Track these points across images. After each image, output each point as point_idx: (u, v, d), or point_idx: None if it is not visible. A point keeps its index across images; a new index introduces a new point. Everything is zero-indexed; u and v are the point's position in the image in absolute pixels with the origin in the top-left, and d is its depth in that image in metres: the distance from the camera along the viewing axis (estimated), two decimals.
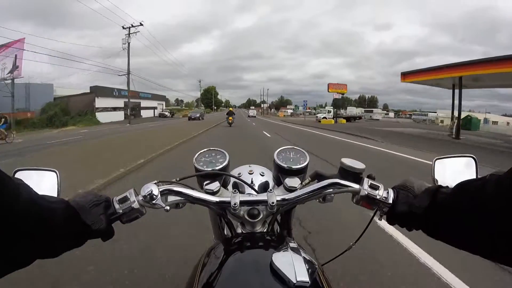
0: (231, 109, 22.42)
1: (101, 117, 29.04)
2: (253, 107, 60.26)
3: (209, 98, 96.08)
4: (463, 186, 0.42)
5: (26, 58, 21.70)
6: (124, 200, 0.52)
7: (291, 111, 68.57)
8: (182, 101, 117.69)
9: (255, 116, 47.48)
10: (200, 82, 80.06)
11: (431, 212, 0.45)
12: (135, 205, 0.52)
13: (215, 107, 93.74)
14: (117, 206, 0.52)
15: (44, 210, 0.40)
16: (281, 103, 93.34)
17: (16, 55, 21.72)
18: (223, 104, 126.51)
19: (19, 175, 0.57)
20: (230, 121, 19.89)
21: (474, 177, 0.59)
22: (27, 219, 0.36)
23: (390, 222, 0.53)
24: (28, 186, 0.38)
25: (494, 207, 0.36)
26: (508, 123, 31.24)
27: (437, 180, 0.61)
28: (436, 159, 0.63)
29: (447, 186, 0.46)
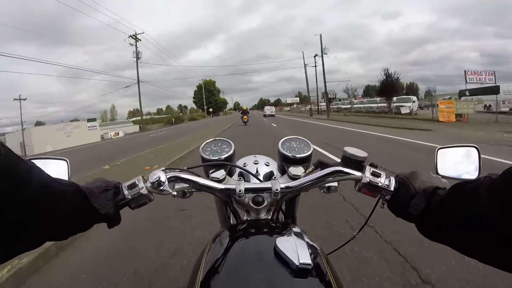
0: (245, 108, 22.75)
1: None
2: (269, 106, 46.89)
3: (207, 97, 73.10)
4: (458, 188, 0.42)
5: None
6: (132, 186, 0.54)
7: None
8: (186, 107, 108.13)
9: (273, 115, 38.08)
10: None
11: (427, 214, 0.46)
12: (144, 191, 0.54)
13: (211, 109, 66.85)
14: (126, 192, 0.53)
15: (55, 192, 0.41)
16: (301, 100, 79.19)
17: None
18: (228, 105, 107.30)
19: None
20: (245, 120, 20.15)
21: (476, 166, 0.60)
22: (38, 201, 0.37)
23: (392, 210, 0.54)
24: (40, 169, 0.39)
25: (487, 211, 0.36)
26: None
27: (440, 169, 0.62)
28: (439, 149, 0.64)
29: (445, 188, 0.47)
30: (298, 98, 79.78)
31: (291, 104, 79.31)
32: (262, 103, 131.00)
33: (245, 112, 21.12)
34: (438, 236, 0.45)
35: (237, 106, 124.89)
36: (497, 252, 0.36)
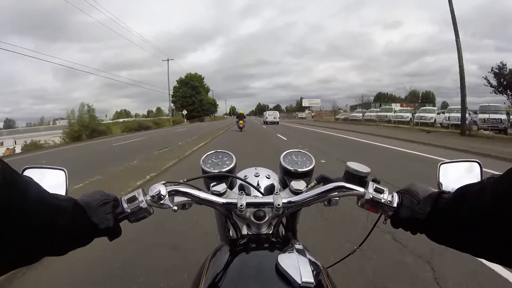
0: (241, 112, 20.27)
1: None
2: (271, 111, 37.25)
3: (189, 96, 59.23)
4: (463, 191, 0.43)
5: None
6: (132, 199, 0.53)
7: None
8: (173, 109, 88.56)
9: (276, 122, 29.57)
10: (168, 61, 43.86)
11: (433, 218, 0.46)
12: (143, 204, 0.53)
13: (186, 112, 47.35)
14: (125, 205, 0.53)
15: (53, 207, 0.40)
16: (301, 108, 72.29)
17: None
18: (219, 108, 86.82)
19: (28, 173, 0.57)
20: (241, 125, 18.56)
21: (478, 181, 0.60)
22: (36, 217, 0.37)
23: (394, 226, 0.53)
24: (37, 183, 0.39)
25: (492, 212, 0.36)
26: None
27: (441, 184, 0.61)
28: (441, 164, 0.64)
29: (449, 192, 0.47)
30: (319, 100, 63.64)
31: (306, 108, 63.30)
32: (261, 109, 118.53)
33: (240, 116, 19.30)
34: (447, 239, 0.45)
35: (232, 111, 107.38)
36: (504, 251, 0.37)
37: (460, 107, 13.00)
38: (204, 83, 68.78)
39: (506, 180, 0.35)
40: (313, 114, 56.93)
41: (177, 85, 62.72)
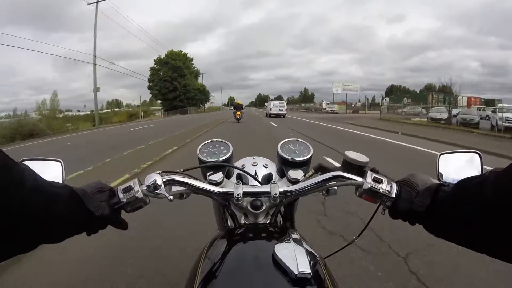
0: (239, 102, 19.60)
1: None
2: (276, 101, 28.20)
3: (170, 80, 44.36)
4: (463, 184, 0.42)
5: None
6: (128, 189, 0.53)
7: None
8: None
9: (283, 115, 23.69)
10: None
11: (432, 210, 0.46)
12: (139, 194, 0.52)
13: (160, 101, 43.25)
14: (121, 195, 0.52)
15: (49, 194, 0.40)
16: (305, 99, 67.36)
17: None
18: (211, 96, 65.75)
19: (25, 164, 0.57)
20: (238, 117, 17.87)
21: (478, 172, 0.59)
22: (32, 203, 0.37)
23: (393, 216, 0.53)
24: (33, 171, 0.39)
25: (493, 205, 0.36)
26: None
27: (441, 175, 0.61)
28: (441, 154, 0.63)
29: (449, 184, 0.46)
30: (358, 86, 44.81)
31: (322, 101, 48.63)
32: (262, 100, 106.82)
33: (238, 107, 18.61)
34: (445, 233, 0.45)
35: (231, 101, 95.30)
36: (505, 246, 0.36)
37: None
38: (193, 65, 51.88)
39: (509, 175, 0.34)
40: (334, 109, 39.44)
41: (155, 66, 46.98)
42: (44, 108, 20.32)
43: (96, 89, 22.43)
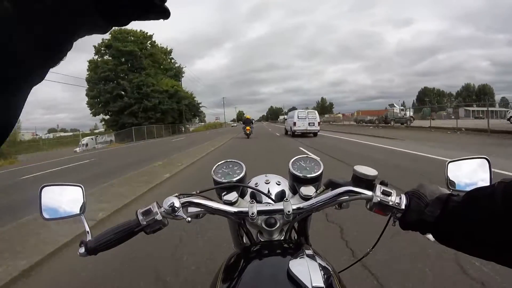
0: (248, 117, 17.88)
1: None
2: (303, 110, 16.27)
3: (116, 76, 27.17)
4: (473, 194, 0.43)
5: None
6: (147, 212, 0.56)
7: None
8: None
9: (314, 133, 15.47)
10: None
11: (442, 221, 0.46)
12: (158, 217, 0.55)
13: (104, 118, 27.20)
14: (140, 217, 0.55)
15: None
16: (323, 108, 61.83)
17: None
18: (203, 107, 44.07)
19: (46, 190, 0.61)
20: (248, 132, 16.25)
21: (487, 178, 0.59)
22: None
23: (403, 227, 0.53)
24: None
25: (503, 216, 0.36)
26: None
27: (451, 183, 0.61)
28: (449, 162, 0.63)
29: (458, 194, 0.47)
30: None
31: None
32: (274, 113, 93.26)
33: (248, 121, 17.14)
34: (455, 243, 0.45)
35: (240, 116, 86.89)
36: None
37: None
38: (171, 58, 34.03)
39: None
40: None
41: (94, 57, 28.63)
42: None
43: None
